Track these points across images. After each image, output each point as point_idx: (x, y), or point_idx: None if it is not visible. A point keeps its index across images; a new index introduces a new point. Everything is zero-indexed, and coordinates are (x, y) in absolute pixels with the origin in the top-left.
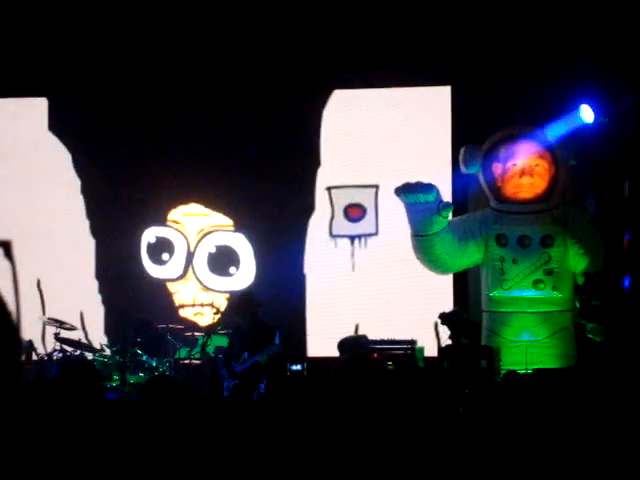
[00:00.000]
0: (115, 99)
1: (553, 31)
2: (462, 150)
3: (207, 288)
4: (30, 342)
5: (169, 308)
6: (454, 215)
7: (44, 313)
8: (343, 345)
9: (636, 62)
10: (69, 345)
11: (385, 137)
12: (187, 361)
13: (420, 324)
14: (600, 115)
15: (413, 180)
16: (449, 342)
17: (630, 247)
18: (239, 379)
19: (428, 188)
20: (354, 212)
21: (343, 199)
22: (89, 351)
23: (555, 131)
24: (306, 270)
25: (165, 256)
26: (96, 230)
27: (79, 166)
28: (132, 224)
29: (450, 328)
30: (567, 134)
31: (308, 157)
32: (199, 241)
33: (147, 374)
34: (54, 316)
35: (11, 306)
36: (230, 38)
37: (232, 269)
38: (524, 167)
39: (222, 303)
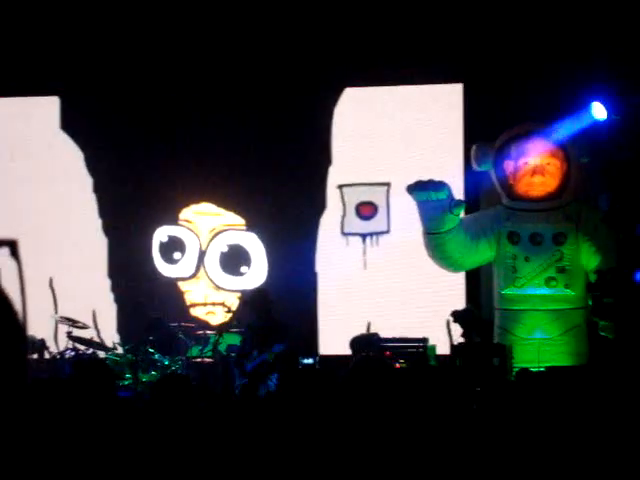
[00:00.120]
0: (127, 98)
1: (565, 29)
2: (474, 147)
3: (219, 287)
4: (42, 341)
5: (181, 306)
6: (466, 213)
7: (56, 312)
8: (355, 343)
9: None
10: (81, 344)
11: (397, 135)
12: (199, 359)
13: (432, 322)
14: (612, 112)
15: (425, 178)
16: (461, 340)
17: None
18: (248, 377)
19: (440, 186)
20: (366, 210)
21: (355, 197)
22: (101, 350)
23: (567, 128)
24: (318, 268)
25: (177, 255)
26: (108, 229)
27: (91, 165)
28: (144, 223)
29: (462, 326)
30: (579, 131)
31: (320, 155)
32: (211, 240)
33: (159, 372)
34: (66, 315)
35: (17, 305)
36: (241, 37)
37: (244, 268)
38: (536, 166)
39: (234, 302)
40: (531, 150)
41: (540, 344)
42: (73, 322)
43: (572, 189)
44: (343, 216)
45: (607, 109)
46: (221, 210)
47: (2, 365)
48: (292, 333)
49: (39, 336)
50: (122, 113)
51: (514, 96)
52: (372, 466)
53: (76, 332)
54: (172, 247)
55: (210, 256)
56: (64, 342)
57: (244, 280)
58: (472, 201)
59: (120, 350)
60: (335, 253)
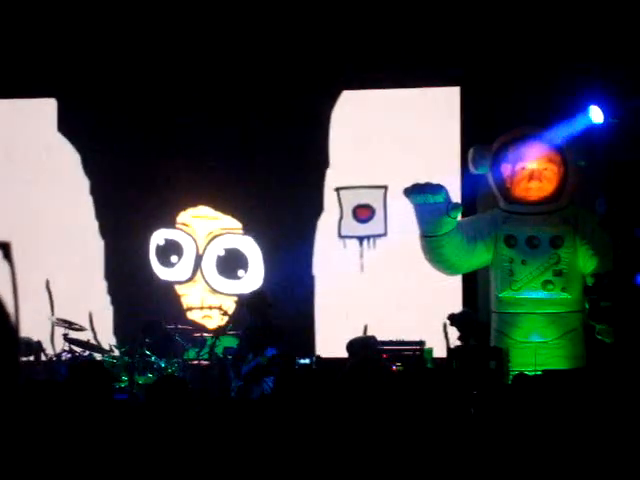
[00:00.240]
0: (125, 100)
1: (562, 32)
2: (471, 150)
3: (215, 291)
4: (39, 343)
5: (178, 309)
6: (463, 216)
7: (53, 314)
8: (352, 346)
9: None
10: (78, 346)
11: (394, 138)
12: (196, 362)
13: (429, 325)
14: (609, 115)
15: (422, 181)
16: (458, 343)
17: None
18: (243, 380)
19: (437, 189)
20: (363, 213)
21: (352, 200)
22: (98, 352)
23: (564, 132)
24: (315, 271)
25: (174, 258)
26: (105, 231)
27: (88, 167)
28: (141, 226)
29: (459, 329)
30: (576, 135)
31: (317, 158)
32: (208, 244)
33: (156, 375)
34: (63, 317)
35: (10, 307)
36: (240, 40)
37: (241, 272)
38: (533, 171)
39: (230, 306)
40: (528, 154)
41: (537, 347)
42: (70, 324)
43: (569, 192)
44: (340, 219)
45: (604, 112)
46: (218, 214)
47: None
48: (289, 336)
49: (35, 338)
50: (119, 115)
51: (511, 99)
52: (368, 468)
53: (72, 334)
54: (169, 250)
55: (207, 260)
56: (60, 344)
57: (241, 284)
58: (469, 204)
59: (116, 352)
60: (332, 256)
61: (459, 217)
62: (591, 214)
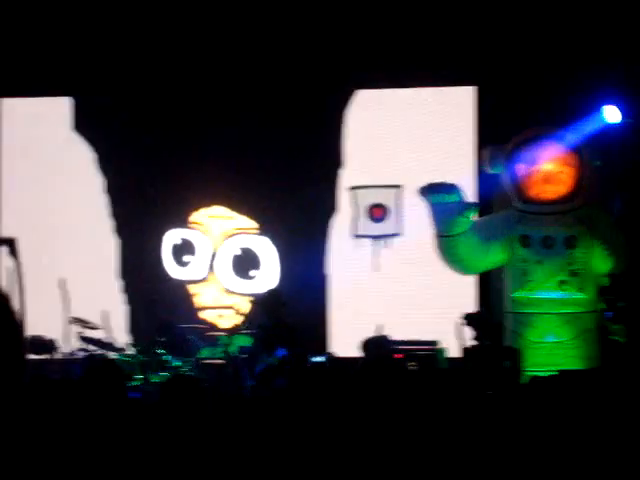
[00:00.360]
0: (140, 99)
1: (578, 32)
2: (486, 150)
3: (229, 291)
4: (53, 341)
5: (192, 308)
6: (478, 215)
7: (68, 312)
8: (366, 345)
9: None
10: (92, 344)
11: (409, 137)
12: (210, 361)
13: (443, 325)
14: (625, 115)
15: (437, 180)
16: (472, 343)
17: None
18: (255, 379)
19: (452, 188)
20: (377, 212)
21: (366, 199)
22: (112, 350)
23: (580, 131)
24: (329, 270)
25: (188, 258)
26: (120, 230)
27: (103, 166)
28: (156, 225)
29: (473, 329)
30: (592, 134)
31: (331, 157)
32: (222, 243)
33: (170, 374)
34: (78, 315)
35: (16, 304)
36: (254, 40)
37: (254, 272)
38: (548, 174)
39: (244, 306)
40: (544, 156)
41: (551, 348)
42: (84, 323)
43: (584, 192)
44: (354, 218)
45: (620, 112)
46: (233, 213)
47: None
48: (302, 335)
49: (50, 336)
50: (135, 114)
51: (527, 99)
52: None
53: (87, 333)
54: (183, 250)
55: (221, 259)
56: (75, 343)
57: (254, 284)
58: (484, 204)
59: (131, 351)
60: (346, 255)
61: (474, 217)
62: (606, 214)
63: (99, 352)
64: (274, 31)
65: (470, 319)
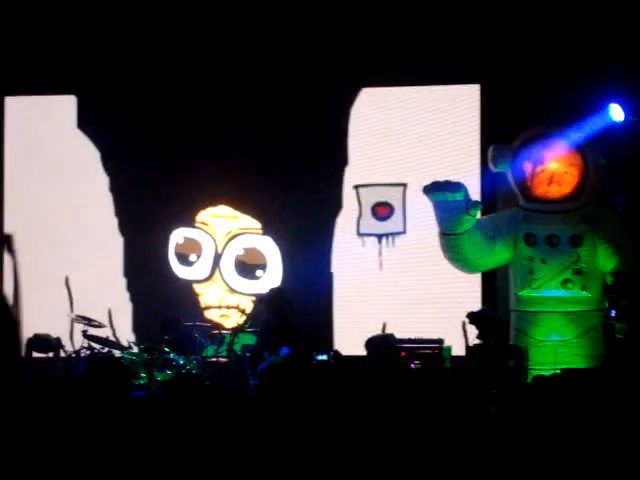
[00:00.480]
0: (145, 97)
1: (583, 30)
2: (491, 148)
3: (233, 290)
4: (58, 339)
5: (196, 306)
6: (483, 214)
7: (72, 310)
8: (370, 344)
9: None
10: (97, 342)
11: (413, 135)
12: (214, 359)
13: (448, 323)
14: (629, 113)
15: (442, 178)
16: (477, 341)
17: None
18: (258, 378)
19: (456, 187)
20: (382, 211)
21: (371, 198)
22: (117, 349)
23: (585, 130)
24: (333, 269)
25: (192, 257)
26: (124, 228)
27: (108, 164)
28: (160, 223)
29: (478, 327)
30: (597, 133)
31: (336, 156)
32: (227, 243)
33: (174, 372)
34: (82, 313)
35: (12, 302)
36: (258, 38)
37: (259, 272)
38: (553, 174)
39: (248, 305)
40: (549, 156)
41: (556, 346)
42: (89, 321)
43: (589, 191)
44: (359, 217)
45: (624, 110)
46: (237, 213)
47: None
48: (307, 334)
49: (55, 335)
50: (139, 112)
51: (531, 97)
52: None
53: (92, 331)
54: (188, 249)
55: (226, 259)
56: (80, 341)
57: (259, 283)
58: (489, 202)
59: (135, 349)
60: (351, 254)
61: (478, 215)
62: (611, 212)
63: (103, 350)
64: (278, 29)
65: (474, 318)
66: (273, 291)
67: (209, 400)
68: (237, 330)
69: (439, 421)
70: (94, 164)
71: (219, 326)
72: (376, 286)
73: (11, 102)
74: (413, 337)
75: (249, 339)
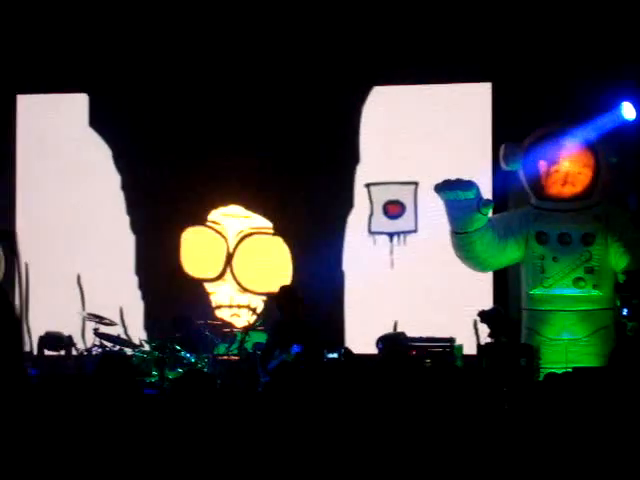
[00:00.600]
0: (157, 96)
1: (595, 28)
2: (503, 147)
3: (245, 290)
4: (70, 337)
5: (208, 305)
6: (494, 212)
7: (84, 308)
8: (382, 342)
9: None
10: (108, 340)
11: (425, 134)
12: (225, 357)
13: (459, 322)
14: None
15: (453, 177)
16: (488, 340)
17: None
18: (270, 376)
19: (468, 185)
20: (393, 209)
21: (382, 196)
22: (128, 347)
23: (596, 129)
24: (345, 267)
25: (204, 257)
26: (136, 226)
27: (119, 162)
28: (172, 222)
29: (490, 326)
30: (608, 131)
31: (347, 154)
32: (238, 243)
33: (186, 370)
34: (94, 311)
35: (16, 300)
36: (270, 36)
37: (270, 271)
38: (567, 175)
39: (259, 305)
40: (563, 155)
41: (567, 345)
42: (100, 319)
43: (601, 189)
44: (370, 215)
45: (637, 109)
46: (249, 213)
47: None
48: (318, 332)
49: (67, 333)
50: (151, 111)
51: (543, 95)
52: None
53: (103, 329)
54: (199, 249)
55: (237, 258)
56: (91, 339)
57: (270, 283)
58: (500, 201)
59: (147, 347)
60: (362, 252)
61: (490, 214)
62: (623, 211)
63: (115, 348)
64: (290, 29)
65: (486, 316)
66: (284, 289)
67: (219, 397)
68: (248, 328)
69: (450, 419)
70: (106, 162)
71: (230, 324)
72: (387, 284)
73: (23, 100)
74: (424, 336)
75: (260, 337)
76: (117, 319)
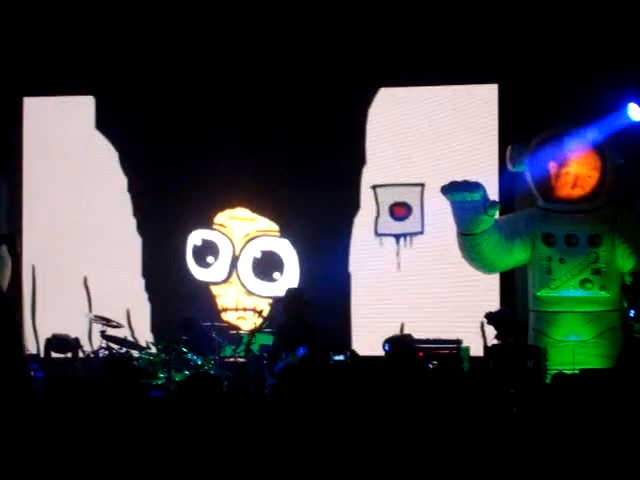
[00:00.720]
0: (162, 98)
1: (601, 29)
2: (509, 148)
3: (250, 293)
4: (77, 340)
5: (214, 307)
6: (501, 214)
7: (91, 311)
8: (388, 344)
9: None
10: (115, 343)
11: (431, 135)
12: (232, 359)
13: (466, 323)
14: None
15: (459, 179)
16: (495, 342)
17: None
18: (276, 378)
19: (475, 186)
20: (400, 211)
21: (389, 198)
22: (135, 349)
23: (603, 130)
24: (351, 269)
25: (210, 259)
26: (143, 229)
27: (126, 164)
28: (178, 225)
29: (496, 328)
30: (615, 132)
31: (354, 155)
32: (244, 245)
33: (192, 372)
34: (101, 314)
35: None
36: (275, 37)
37: (276, 274)
38: (577, 178)
39: (265, 308)
40: (571, 157)
41: (575, 346)
42: (107, 321)
43: (608, 191)
44: (377, 217)
45: None
46: (255, 215)
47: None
48: (324, 334)
49: (73, 335)
50: (157, 113)
51: (549, 97)
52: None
53: (110, 331)
54: (206, 251)
55: (243, 261)
56: (98, 341)
57: (276, 286)
58: (507, 202)
59: (153, 349)
60: (369, 254)
61: (497, 215)
62: (630, 212)
63: (122, 351)
64: (296, 30)
65: (493, 318)
66: (291, 292)
67: (226, 399)
68: (255, 330)
69: (457, 421)
70: (112, 165)
71: (236, 327)
72: (394, 286)
73: (30, 103)
74: (431, 337)
75: (267, 339)
76: (124, 321)
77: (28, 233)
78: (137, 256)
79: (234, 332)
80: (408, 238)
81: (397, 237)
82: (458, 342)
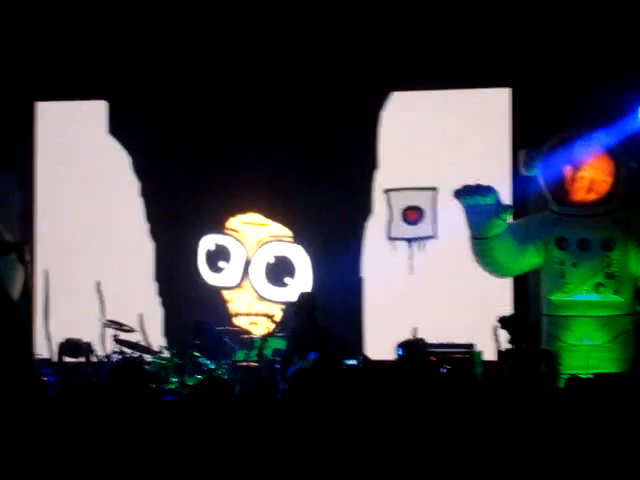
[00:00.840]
0: (175, 103)
1: (614, 34)
2: (522, 152)
3: (262, 298)
4: (89, 344)
5: (226, 311)
6: (514, 218)
7: (103, 315)
8: (401, 348)
9: None
10: (128, 347)
11: (444, 139)
12: (245, 364)
13: (479, 328)
14: None
15: (472, 182)
16: (508, 346)
17: None
18: (288, 383)
19: (487, 190)
20: (412, 215)
21: (401, 202)
22: (147, 353)
23: (616, 133)
24: (364, 273)
25: (222, 264)
26: (155, 233)
27: (138, 169)
28: (191, 230)
29: (509, 332)
30: (628, 136)
31: (366, 160)
32: (257, 250)
33: (205, 376)
34: (113, 318)
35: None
36: (288, 43)
37: (288, 280)
38: (592, 182)
39: (277, 313)
40: (586, 162)
41: (588, 350)
42: (120, 325)
43: (620, 194)
44: (389, 221)
45: None
46: (268, 220)
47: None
48: (337, 338)
49: (86, 339)
50: (170, 118)
51: (562, 101)
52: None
53: (123, 335)
54: (218, 256)
55: (256, 266)
56: (111, 346)
57: (288, 291)
58: (520, 206)
59: (166, 354)
60: (381, 258)
61: (509, 219)
62: None
63: (134, 355)
64: (308, 34)
65: (506, 322)
66: (304, 296)
67: (238, 403)
68: (267, 335)
69: (470, 425)
70: (125, 170)
71: (248, 332)
72: (407, 290)
73: (43, 108)
74: (444, 341)
75: (279, 343)
76: (136, 326)
77: (41, 238)
78: (150, 261)
79: (246, 336)
80: (421, 242)
81: (410, 241)
82: (471, 346)
